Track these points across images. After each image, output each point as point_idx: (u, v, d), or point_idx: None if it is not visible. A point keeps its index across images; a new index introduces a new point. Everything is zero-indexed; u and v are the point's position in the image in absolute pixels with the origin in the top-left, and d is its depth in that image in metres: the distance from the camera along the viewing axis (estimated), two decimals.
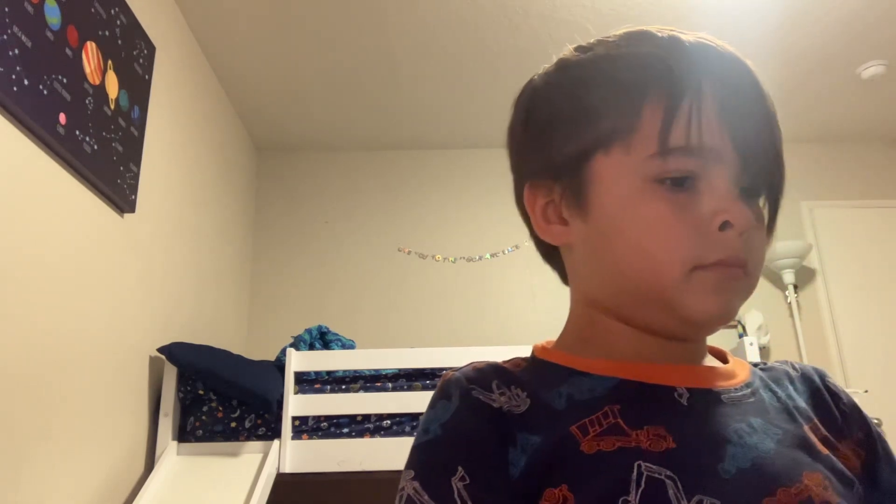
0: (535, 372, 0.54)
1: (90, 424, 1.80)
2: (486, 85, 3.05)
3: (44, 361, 1.60)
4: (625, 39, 0.54)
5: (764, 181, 0.53)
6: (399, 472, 0.51)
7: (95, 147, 1.81)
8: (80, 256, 1.78)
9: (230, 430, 2.15)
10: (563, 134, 0.54)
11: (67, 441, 1.68)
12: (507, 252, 3.39)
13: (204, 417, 2.17)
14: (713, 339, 0.56)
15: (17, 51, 1.48)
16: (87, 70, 1.79)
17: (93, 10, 1.83)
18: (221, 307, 2.95)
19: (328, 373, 2.27)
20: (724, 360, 0.57)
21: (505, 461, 0.48)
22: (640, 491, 0.44)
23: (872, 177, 3.60)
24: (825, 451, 0.51)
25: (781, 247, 3.22)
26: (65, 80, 1.67)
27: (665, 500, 0.44)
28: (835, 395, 0.58)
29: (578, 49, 0.57)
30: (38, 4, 1.57)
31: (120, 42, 1.98)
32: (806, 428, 0.52)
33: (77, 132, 1.72)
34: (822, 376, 0.59)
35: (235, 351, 2.68)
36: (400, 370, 2.25)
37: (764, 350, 3.20)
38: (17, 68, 1.48)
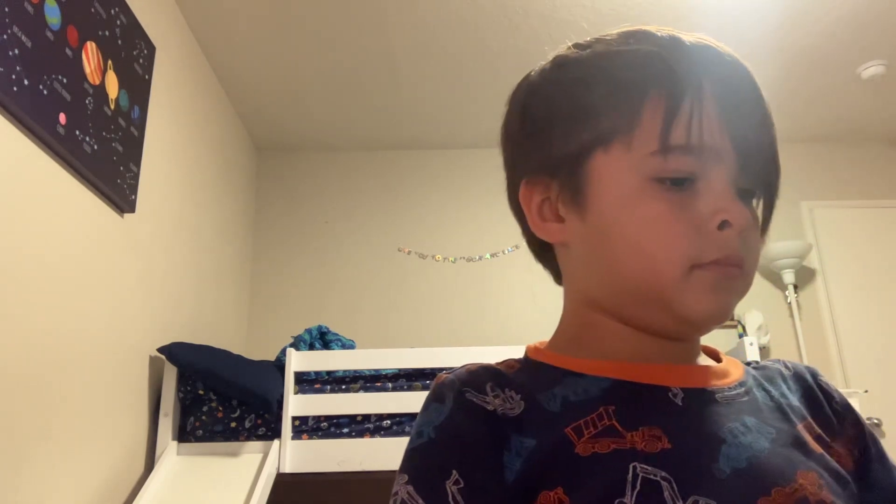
0: (528, 373, 0.54)
1: (90, 424, 1.80)
2: (486, 85, 3.05)
3: (44, 361, 1.60)
4: (624, 38, 0.54)
5: (760, 182, 0.53)
6: None
7: (95, 147, 1.81)
8: (80, 256, 1.78)
9: (230, 430, 2.15)
10: (563, 131, 0.54)
11: (67, 441, 1.68)
12: (507, 252, 3.39)
13: (204, 417, 2.17)
14: (714, 340, 0.56)
15: (17, 51, 1.48)
16: (87, 70, 1.79)
17: (93, 10, 1.83)
18: (221, 307, 2.95)
19: (328, 373, 2.27)
20: (718, 360, 0.57)
21: (500, 464, 0.47)
22: (635, 492, 0.44)
23: (872, 177, 3.60)
24: (819, 449, 0.51)
25: (781, 247, 3.22)
26: (65, 80, 1.67)
27: (661, 501, 0.44)
28: (827, 393, 0.58)
29: (576, 46, 0.56)
30: (38, 4, 1.57)
31: (120, 42, 1.98)
32: (800, 427, 0.52)
33: (77, 132, 1.72)
34: (815, 375, 0.59)
35: (235, 351, 2.68)
36: (400, 370, 2.25)
37: (764, 350, 3.20)
38: (17, 68, 1.48)
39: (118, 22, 1.97)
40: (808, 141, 3.62)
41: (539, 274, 0.64)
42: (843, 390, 3.00)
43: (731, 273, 0.50)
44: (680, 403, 0.50)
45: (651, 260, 0.50)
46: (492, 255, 3.43)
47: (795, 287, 3.33)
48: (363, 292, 3.39)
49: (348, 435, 2.13)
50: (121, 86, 1.98)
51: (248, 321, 3.31)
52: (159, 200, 2.30)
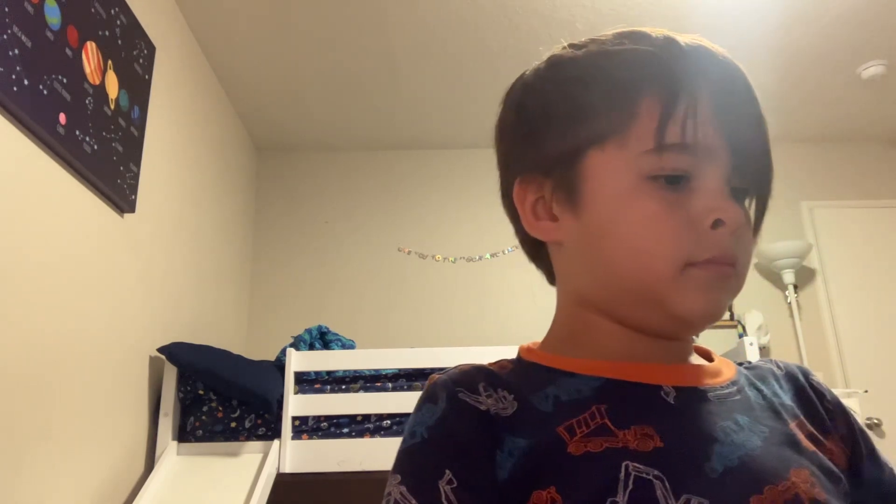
0: (521, 374, 0.54)
1: (90, 424, 1.80)
2: (486, 85, 3.05)
3: (44, 361, 1.60)
4: (619, 38, 0.54)
5: (753, 182, 0.53)
6: None
7: (95, 147, 1.81)
8: (80, 256, 1.78)
9: (230, 430, 2.15)
10: (557, 130, 0.54)
11: (67, 441, 1.68)
12: (507, 252, 3.39)
13: (204, 417, 2.17)
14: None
15: (17, 51, 1.48)
16: (87, 70, 1.79)
17: (93, 10, 1.83)
18: (221, 307, 2.95)
19: (328, 373, 2.27)
20: (710, 360, 0.57)
21: (492, 464, 0.47)
22: (628, 491, 0.44)
23: (872, 177, 3.60)
24: (811, 447, 0.51)
25: (781, 247, 3.22)
26: (65, 80, 1.67)
27: (653, 499, 0.44)
28: (819, 392, 0.58)
29: (571, 46, 0.57)
30: (38, 4, 1.57)
31: (120, 42, 1.98)
32: (792, 425, 0.52)
33: (77, 132, 1.72)
34: (807, 374, 0.59)
35: (235, 351, 2.68)
36: (400, 370, 2.25)
37: (764, 350, 3.20)
38: (17, 68, 1.48)
39: (118, 22, 1.97)
40: (808, 141, 3.62)
41: (539, 274, 0.64)
42: (843, 390, 3.00)
43: (724, 272, 0.50)
44: (672, 402, 0.50)
45: (645, 258, 0.50)
46: (492, 255, 3.43)
47: (795, 287, 3.33)
48: (363, 292, 3.39)
49: (348, 435, 2.13)
50: (121, 86, 1.98)
51: (248, 321, 3.31)
52: (159, 200, 2.30)
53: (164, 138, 2.36)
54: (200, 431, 2.15)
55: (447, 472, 0.47)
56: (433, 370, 2.21)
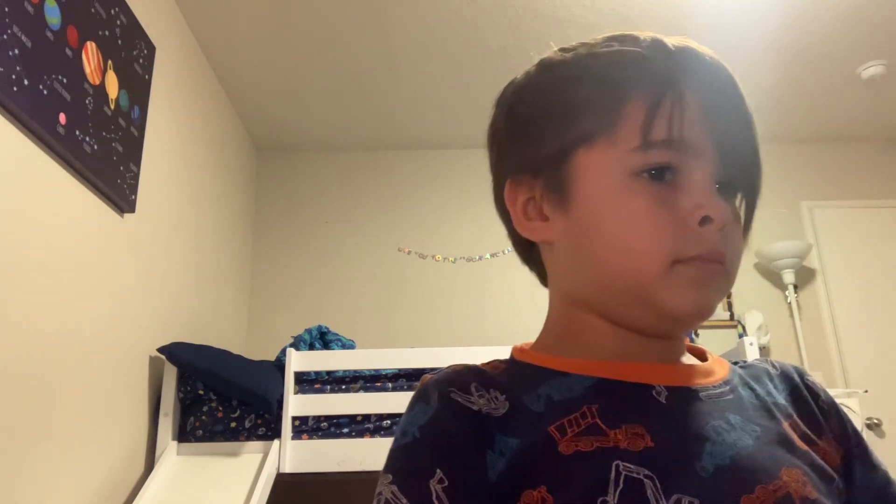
0: (513, 374, 0.54)
1: (90, 424, 1.80)
2: (486, 85, 3.05)
3: (44, 361, 1.60)
4: (608, 41, 0.55)
5: (742, 180, 0.54)
6: None
7: (95, 147, 1.81)
8: (80, 256, 1.78)
9: (230, 430, 2.15)
10: (547, 130, 0.55)
11: (67, 441, 1.68)
12: (507, 252, 3.39)
13: (204, 417, 2.17)
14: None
15: (17, 51, 1.48)
16: (87, 70, 1.79)
17: (93, 10, 1.83)
18: (221, 307, 2.95)
19: (328, 373, 2.27)
20: (704, 359, 0.57)
21: (483, 463, 0.47)
22: (618, 491, 0.44)
23: (872, 177, 3.60)
24: (804, 447, 0.51)
25: (781, 247, 3.22)
26: (65, 80, 1.67)
27: (643, 499, 0.44)
28: (814, 392, 0.58)
29: (562, 50, 0.57)
30: (38, 4, 1.57)
31: (120, 42, 1.98)
32: (785, 424, 0.52)
33: (77, 132, 1.72)
34: (802, 374, 0.59)
35: (235, 351, 2.68)
36: (400, 370, 2.25)
37: (764, 350, 3.20)
38: (17, 68, 1.48)
39: (118, 22, 1.97)
40: (809, 141, 3.62)
41: None
42: (843, 390, 3.00)
43: (712, 269, 0.50)
44: (664, 402, 0.50)
45: (633, 254, 0.50)
46: (492, 255, 3.43)
47: (795, 287, 3.33)
48: (363, 292, 3.39)
49: (348, 435, 2.13)
50: (121, 86, 1.98)
51: (248, 321, 3.31)
52: (159, 200, 2.30)
53: (164, 138, 2.36)
54: (200, 431, 2.15)
55: (438, 471, 0.47)
56: (433, 370, 2.21)
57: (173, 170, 2.45)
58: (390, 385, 2.20)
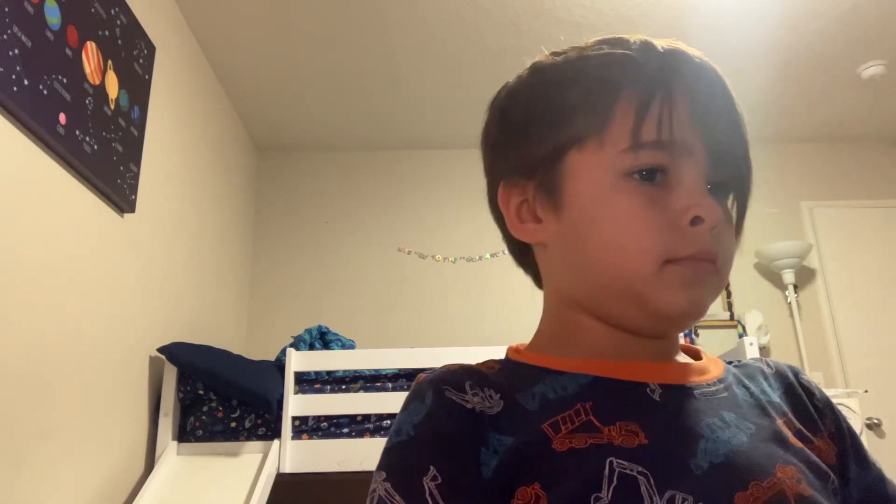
0: (508, 373, 0.54)
1: (90, 424, 1.80)
2: (486, 85, 3.04)
3: (44, 361, 1.60)
4: (598, 44, 0.56)
5: (732, 180, 0.54)
6: None
7: (95, 147, 1.81)
8: (80, 256, 1.78)
9: (230, 430, 2.15)
10: (538, 132, 0.55)
11: (67, 441, 1.69)
12: (506, 252, 3.39)
13: (204, 417, 2.17)
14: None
15: (17, 51, 1.48)
16: (87, 70, 1.79)
17: (93, 10, 1.83)
18: (221, 307, 2.95)
19: (328, 373, 2.27)
20: (698, 358, 0.58)
21: (477, 461, 0.48)
22: (612, 487, 0.44)
23: (872, 177, 3.60)
24: (799, 444, 0.51)
25: (781, 247, 3.22)
26: (65, 80, 1.67)
27: (637, 496, 0.44)
28: (808, 390, 0.59)
29: (553, 54, 0.58)
30: (38, 4, 1.57)
31: (120, 42, 1.98)
32: (779, 422, 0.53)
33: (77, 132, 1.72)
34: (796, 373, 0.60)
35: (235, 351, 2.68)
36: (400, 370, 2.25)
37: (764, 350, 3.20)
38: (17, 68, 1.48)
39: (118, 22, 1.97)
40: (808, 141, 3.62)
41: None
42: (843, 390, 2.99)
43: (704, 269, 0.51)
44: (658, 399, 0.50)
45: (625, 254, 0.50)
46: (492, 255, 3.43)
47: (795, 287, 3.33)
48: (363, 292, 3.39)
49: (348, 435, 2.13)
50: (121, 86, 1.98)
51: (248, 321, 3.31)
52: (159, 200, 2.30)
53: (164, 138, 2.36)
54: (200, 431, 2.15)
55: (432, 468, 0.47)
56: (433, 370, 2.22)
57: (173, 170, 2.45)
58: (390, 385, 2.20)
